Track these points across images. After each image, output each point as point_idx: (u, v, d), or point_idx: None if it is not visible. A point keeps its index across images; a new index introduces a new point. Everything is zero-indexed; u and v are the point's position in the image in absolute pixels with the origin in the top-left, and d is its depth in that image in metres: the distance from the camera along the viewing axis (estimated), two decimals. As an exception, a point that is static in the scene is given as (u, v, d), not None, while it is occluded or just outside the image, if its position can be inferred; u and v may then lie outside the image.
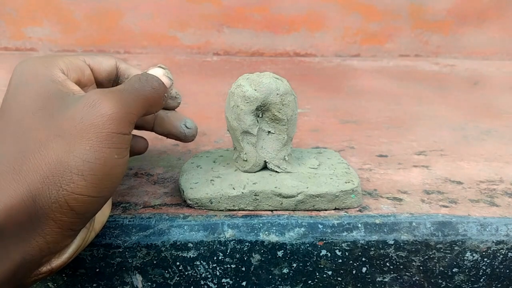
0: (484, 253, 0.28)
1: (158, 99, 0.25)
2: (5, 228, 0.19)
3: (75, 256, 0.23)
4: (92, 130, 0.21)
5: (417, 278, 0.28)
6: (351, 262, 0.28)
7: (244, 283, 0.28)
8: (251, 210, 0.29)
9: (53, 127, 0.21)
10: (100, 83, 0.29)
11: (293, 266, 0.28)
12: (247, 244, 0.27)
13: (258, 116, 0.29)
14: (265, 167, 0.30)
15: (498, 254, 0.28)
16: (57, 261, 0.22)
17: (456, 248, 0.28)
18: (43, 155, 0.20)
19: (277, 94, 0.28)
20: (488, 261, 0.28)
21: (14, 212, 0.19)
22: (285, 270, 0.28)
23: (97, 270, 0.27)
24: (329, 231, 0.27)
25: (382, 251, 0.27)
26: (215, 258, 0.27)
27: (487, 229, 0.28)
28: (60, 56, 0.26)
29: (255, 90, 0.28)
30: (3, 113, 0.23)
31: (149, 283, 0.28)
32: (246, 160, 0.29)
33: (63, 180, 0.20)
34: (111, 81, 0.29)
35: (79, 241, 0.23)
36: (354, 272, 0.28)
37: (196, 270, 0.28)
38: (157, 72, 0.27)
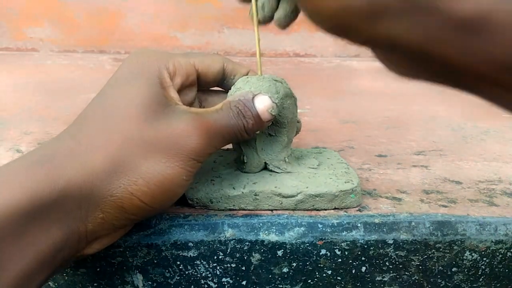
0: (483, 253, 0.28)
1: (246, 136, 0.25)
2: (55, 209, 0.20)
3: (106, 246, 0.24)
4: (175, 148, 0.22)
5: (416, 278, 0.29)
6: (350, 261, 0.28)
7: (244, 283, 0.28)
8: (251, 210, 0.29)
9: (143, 131, 0.22)
10: (205, 84, 0.28)
11: (293, 266, 0.28)
12: (247, 243, 0.27)
13: None
14: (265, 167, 0.30)
15: (497, 254, 0.28)
16: (89, 249, 0.23)
17: (455, 247, 0.28)
18: (120, 152, 0.21)
19: (277, 97, 0.27)
20: (487, 260, 0.28)
21: (68, 196, 0.20)
22: (285, 270, 0.28)
23: (98, 269, 0.27)
24: (328, 230, 0.27)
25: (381, 250, 0.28)
26: (215, 257, 0.27)
27: (486, 229, 0.28)
28: (172, 56, 0.26)
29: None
30: (104, 94, 0.24)
31: (150, 282, 0.28)
32: (246, 162, 0.29)
33: (128, 180, 0.21)
34: (216, 81, 0.29)
35: (114, 235, 0.23)
36: (353, 271, 0.28)
37: (197, 269, 0.28)
38: (262, 102, 0.25)
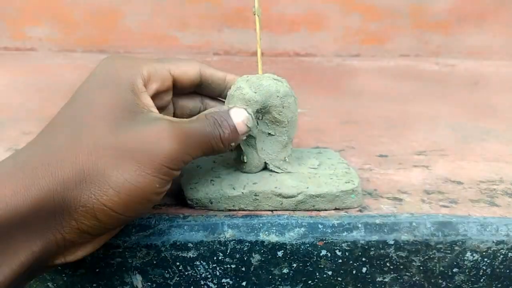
0: (484, 253, 0.28)
1: (222, 147, 0.25)
2: (30, 218, 0.19)
3: (90, 253, 0.23)
4: (147, 156, 0.21)
5: (417, 278, 0.28)
6: (351, 262, 0.28)
7: (244, 283, 0.28)
8: (251, 210, 0.29)
9: (113, 139, 0.21)
10: (181, 89, 0.28)
11: (293, 266, 0.28)
12: (247, 244, 0.27)
13: (258, 118, 0.28)
14: (265, 167, 0.30)
15: (498, 254, 0.28)
16: (71, 256, 0.22)
17: (456, 248, 0.27)
18: (89, 161, 0.21)
19: (277, 96, 0.27)
20: (488, 261, 0.28)
21: (42, 205, 0.20)
22: (285, 270, 0.28)
23: (97, 270, 0.27)
24: (329, 231, 0.27)
25: (382, 251, 0.27)
26: (215, 258, 0.27)
27: (487, 229, 0.28)
28: (146, 62, 0.25)
29: (255, 92, 0.27)
30: (74, 101, 0.23)
31: (149, 283, 0.28)
32: (245, 162, 0.29)
33: (98, 190, 0.20)
34: (193, 86, 0.29)
35: (97, 242, 0.23)
36: (354, 272, 0.28)
37: (196, 270, 0.28)
38: (239, 115, 0.25)
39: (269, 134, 0.29)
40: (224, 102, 0.29)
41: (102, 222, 0.21)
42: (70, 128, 0.22)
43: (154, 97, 0.26)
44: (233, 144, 0.25)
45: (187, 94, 0.30)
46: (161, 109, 0.28)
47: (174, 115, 0.29)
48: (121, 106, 0.22)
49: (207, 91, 0.30)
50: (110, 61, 0.25)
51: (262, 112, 0.28)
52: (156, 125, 0.22)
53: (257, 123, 0.29)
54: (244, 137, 0.26)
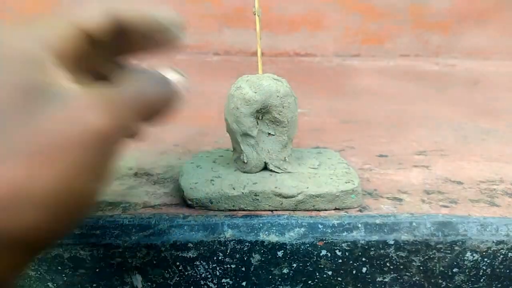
0: (484, 253, 0.28)
1: (163, 112, 0.19)
2: None
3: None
4: (71, 150, 0.15)
5: (417, 278, 0.28)
6: (351, 262, 0.28)
7: (244, 283, 0.28)
8: (251, 210, 0.29)
9: (19, 138, 0.15)
10: (104, 47, 0.19)
11: (293, 266, 0.28)
12: (247, 244, 0.27)
13: (258, 118, 0.28)
14: (265, 167, 0.30)
15: (498, 254, 0.28)
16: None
17: (456, 248, 0.27)
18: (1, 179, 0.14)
19: (277, 96, 0.27)
20: (488, 261, 0.28)
21: None
22: (285, 270, 0.28)
23: (97, 270, 0.27)
24: (329, 231, 0.27)
25: (382, 251, 0.27)
26: (215, 258, 0.27)
27: (487, 229, 0.28)
28: (45, 24, 0.18)
29: (255, 92, 0.27)
30: None
31: (149, 283, 0.28)
32: (246, 162, 0.29)
33: (18, 213, 0.15)
34: (112, 35, 0.19)
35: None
36: (354, 272, 0.28)
37: (196, 270, 0.28)
38: (171, 74, 0.20)
39: (269, 134, 0.29)
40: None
41: (33, 248, 0.16)
42: None
43: (77, 66, 0.18)
44: (174, 100, 0.20)
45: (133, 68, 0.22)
46: (105, 79, 0.20)
47: None
48: (21, 92, 0.15)
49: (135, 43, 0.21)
50: (3, 31, 0.17)
51: (262, 112, 0.28)
52: (71, 103, 0.16)
53: (257, 123, 0.29)
54: (180, 100, 0.20)
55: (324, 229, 0.27)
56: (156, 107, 0.19)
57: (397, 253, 0.28)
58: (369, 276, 0.28)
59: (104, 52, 0.20)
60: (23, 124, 0.15)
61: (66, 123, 0.15)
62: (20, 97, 0.15)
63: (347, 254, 0.27)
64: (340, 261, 0.28)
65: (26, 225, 0.15)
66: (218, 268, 0.28)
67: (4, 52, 0.16)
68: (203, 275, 0.28)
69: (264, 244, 0.27)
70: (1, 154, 0.15)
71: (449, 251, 0.28)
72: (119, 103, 0.17)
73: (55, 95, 0.16)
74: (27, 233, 0.15)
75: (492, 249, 0.28)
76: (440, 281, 0.29)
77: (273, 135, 0.29)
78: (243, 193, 0.28)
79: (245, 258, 0.27)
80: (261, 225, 0.27)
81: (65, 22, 0.18)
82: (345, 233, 0.27)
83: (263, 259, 0.27)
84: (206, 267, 0.27)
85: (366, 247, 0.27)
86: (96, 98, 0.16)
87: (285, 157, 0.30)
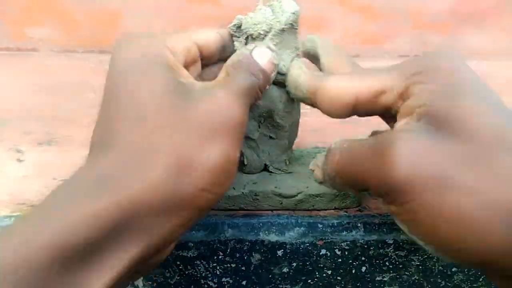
0: (483, 253, 0.28)
1: (260, 95, 0.24)
2: (123, 227, 0.18)
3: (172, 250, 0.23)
4: (225, 130, 0.20)
5: (416, 278, 0.29)
6: (350, 261, 0.28)
7: (244, 282, 0.28)
8: (251, 210, 0.29)
9: (185, 121, 0.20)
10: (208, 59, 0.26)
11: (293, 266, 0.28)
12: (247, 243, 0.27)
13: (260, 122, 0.28)
14: (265, 168, 0.30)
15: (497, 254, 0.28)
16: (167, 251, 0.22)
17: (455, 247, 0.28)
18: (174, 151, 0.19)
19: (280, 101, 0.27)
20: (487, 260, 0.28)
21: (136, 211, 0.18)
22: (285, 270, 0.28)
23: (98, 269, 0.27)
24: (328, 230, 0.27)
25: (381, 250, 0.28)
26: (215, 257, 0.27)
27: (486, 229, 0.28)
28: (165, 35, 0.23)
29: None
30: (115, 99, 0.21)
31: (150, 282, 0.28)
32: (246, 164, 0.29)
33: (194, 178, 0.19)
34: (218, 53, 0.26)
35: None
36: (353, 271, 0.28)
37: (196, 269, 0.28)
38: (263, 56, 0.24)
39: (270, 137, 0.29)
40: None
41: (201, 209, 0.20)
42: (135, 123, 0.20)
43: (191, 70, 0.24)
44: (267, 87, 0.24)
45: (213, 64, 0.27)
46: None
47: None
48: (172, 84, 0.21)
49: (229, 55, 0.26)
50: (127, 44, 0.22)
51: (264, 116, 0.28)
52: (215, 95, 0.21)
53: (259, 126, 0.28)
54: (274, 76, 0.25)
55: (324, 229, 0.27)
56: (257, 96, 0.23)
57: (396, 252, 0.28)
58: (369, 275, 0.28)
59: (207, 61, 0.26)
60: (181, 112, 0.20)
61: (217, 111, 0.21)
62: (175, 88, 0.21)
63: (346, 253, 0.28)
64: (340, 260, 0.28)
65: (200, 187, 0.20)
66: (218, 267, 0.28)
67: (149, 60, 0.21)
68: (203, 274, 0.28)
69: (264, 243, 0.27)
70: (172, 130, 0.20)
71: (448, 251, 0.28)
72: (240, 97, 0.22)
73: (195, 91, 0.21)
74: (200, 194, 0.20)
75: (490, 248, 0.28)
76: (439, 280, 0.29)
77: (274, 138, 0.29)
78: (243, 193, 0.28)
79: (245, 257, 0.27)
80: (261, 224, 0.27)
81: (185, 35, 0.24)
82: (344, 233, 0.27)
83: (263, 258, 0.28)
84: (207, 266, 0.28)
85: (366, 246, 0.27)
86: (231, 94, 0.21)
87: (285, 160, 0.30)
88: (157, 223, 0.19)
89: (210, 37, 0.25)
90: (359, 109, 0.23)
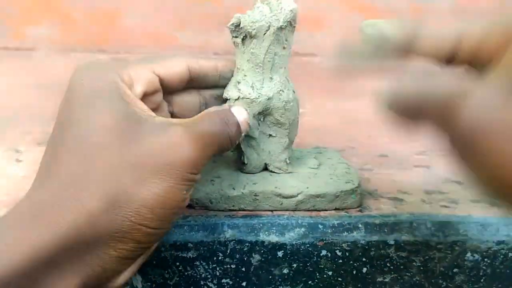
0: (484, 254, 0.28)
1: (230, 146, 0.24)
2: (60, 258, 0.18)
3: (129, 278, 0.22)
4: (169, 168, 0.20)
5: (418, 279, 0.28)
6: (351, 262, 0.28)
7: (244, 284, 0.28)
8: (251, 210, 0.29)
9: (127, 156, 0.20)
10: (171, 88, 0.26)
11: (293, 267, 0.28)
12: (247, 244, 0.27)
13: (260, 120, 0.28)
14: (265, 168, 0.30)
15: (499, 255, 0.28)
16: (120, 280, 0.22)
17: (456, 248, 0.27)
18: (110, 184, 0.20)
19: (280, 99, 0.27)
20: (488, 261, 0.28)
21: (71, 241, 0.18)
22: (285, 271, 0.28)
23: (97, 270, 0.27)
24: (329, 231, 0.27)
25: (382, 251, 0.27)
26: (215, 258, 0.27)
27: (488, 230, 0.28)
28: (124, 65, 0.24)
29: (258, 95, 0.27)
30: (67, 125, 0.21)
31: (149, 283, 0.28)
32: (246, 163, 0.29)
33: (130, 211, 0.20)
34: (183, 83, 0.27)
35: (134, 265, 0.22)
36: (354, 272, 0.28)
37: (196, 270, 0.27)
38: (240, 113, 0.25)
39: (270, 135, 0.29)
40: (222, 90, 0.28)
41: (141, 242, 0.21)
42: (76, 156, 0.20)
43: (143, 100, 0.24)
44: (236, 141, 0.25)
45: (182, 90, 0.28)
46: (153, 111, 0.26)
47: (172, 114, 0.28)
48: (122, 117, 0.21)
49: (201, 83, 0.28)
50: (84, 73, 0.23)
51: (264, 114, 0.28)
52: (169, 133, 0.21)
53: (259, 124, 0.28)
54: (243, 136, 0.26)
55: (324, 229, 0.27)
56: (226, 145, 0.24)
57: (398, 253, 0.27)
58: (370, 276, 0.28)
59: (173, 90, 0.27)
60: (130, 143, 0.20)
61: (168, 151, 0.21)
62: (124, 122, 0.21)
63: (347, 254, 0.27)
64: (340, 261, 0.28)
65: (137, 222, 0.20)
66: (218, 268, 0.27)
67: (97, 90, 0.21)
68: (203, 275, 0.28)
69: (264, 244, 0.27)
70: (113, 163, 0.20)
71: (449, 251, 0.27)
72: (202, 139, 0.22)
73: (147, 124, 0.21)
74: (137, 228, 0.20)
75: (492, 249, 0.28)
76: (440, 281, 0.28)
77: (274, 136, 0.29)
78: (243, 193, 0.28)
79: (245, 258, 0.27)
80: (261, 225, 0.27)
81: (145, 67, 0.24)
82: (345, 233, 0.27)
83: (263, 259, 0.27)
84: (206, 267, 0.27)
85: (367, 247, 0.27)
86: (188, 133, 0.21)
87: (285, 159, 0.30)
88: (95, 255, 0.20)
89: (174, 68, 0.25)
90: (460, 51, 0.22)
